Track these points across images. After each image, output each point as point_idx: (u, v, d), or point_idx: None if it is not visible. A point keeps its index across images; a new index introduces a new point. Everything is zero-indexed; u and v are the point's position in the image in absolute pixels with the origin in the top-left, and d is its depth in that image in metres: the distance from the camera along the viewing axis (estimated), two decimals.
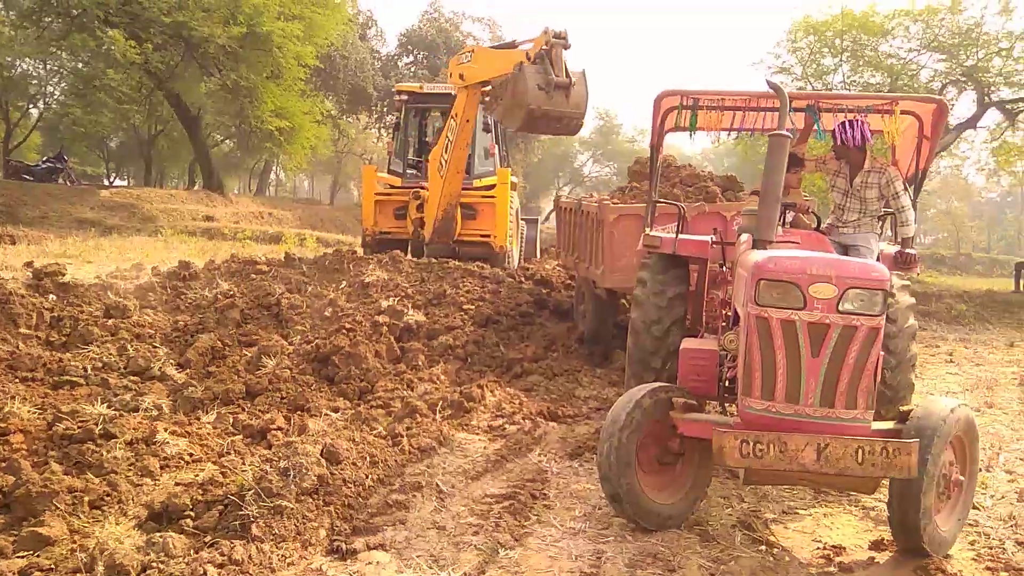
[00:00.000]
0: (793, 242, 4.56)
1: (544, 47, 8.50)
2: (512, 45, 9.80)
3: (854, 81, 20.70)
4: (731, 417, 4.20)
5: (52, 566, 3.37)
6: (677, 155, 20.12)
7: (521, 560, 3.58)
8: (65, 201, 20.62)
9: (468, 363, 7.56)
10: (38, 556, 3.50)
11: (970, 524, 4.24)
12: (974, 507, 4.42)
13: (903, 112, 4.97)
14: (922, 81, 20.40)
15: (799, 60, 21.72)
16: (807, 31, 21.05)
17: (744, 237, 4.62)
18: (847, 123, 4.98)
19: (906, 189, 5.19)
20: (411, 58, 39.37)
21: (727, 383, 4.40)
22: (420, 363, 7.27)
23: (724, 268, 5.35)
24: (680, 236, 5.39)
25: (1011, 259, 33.09)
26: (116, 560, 2.95)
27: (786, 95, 4.31)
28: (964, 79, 19.84)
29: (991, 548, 4.00)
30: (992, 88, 19.67)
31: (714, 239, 5.33)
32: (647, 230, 5.71)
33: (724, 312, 5.09)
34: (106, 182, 42.29)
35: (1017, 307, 15.25)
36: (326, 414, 5.76)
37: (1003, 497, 4.79)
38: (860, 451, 3.36)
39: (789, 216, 5.16)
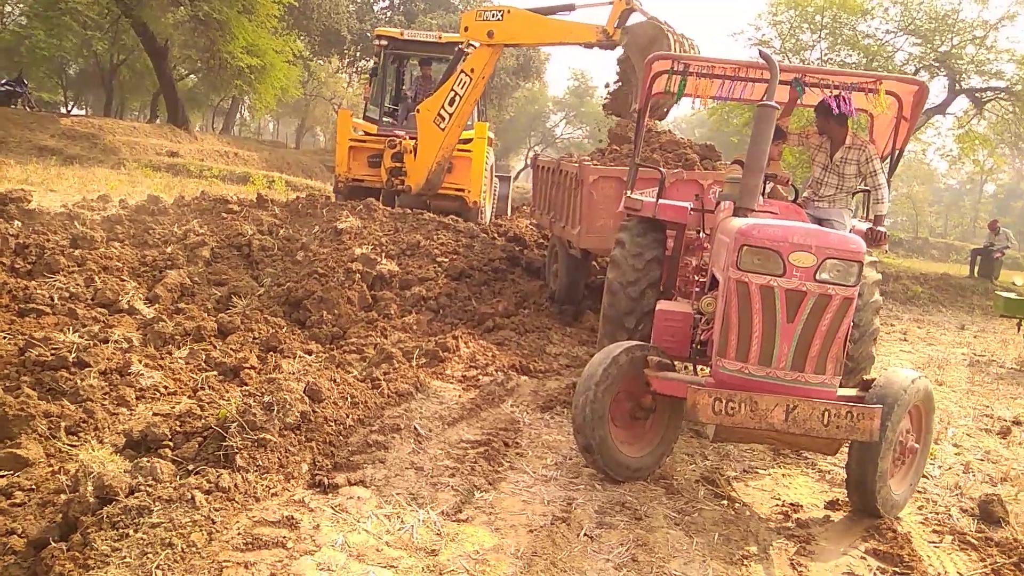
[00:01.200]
0: (771, 212, 4.67)
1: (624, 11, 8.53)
2: (568, 8, 9.60)
3: (830, 59, 20.89)
4: (702, 377, 4.35)
5: (33, 486, 3.40)
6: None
7: (495, 502, 3.70)
8: (24, 127, 19.91)
9: (440, 315, 7.62)
10: (17, 476, 3.52)
11: (919, 492, 4.48)
12: (923, 476, 4.67)
13: (887, 92, 5.08)
14: (897, 64, 20.67)
15: (779, 34, 21.82)
16: (788, 5, 21.11)
17: (725, 204, 4.73)
18: (840, 96, 5.08)
19: (883, 168, 5.34)
20: (387, 2, 38.48)
21: (699, 345, 4.54)
22: (392, 312, 7.31)
23: (701, 235, 5.46)
24: (660, 201, 5.48)
25: (966, 245, 34.07)
26: (105, 482, 2.98)
27: (776, 67, 4.38)
28: (937, 64, 20.16)
29: (938, 514, 4.25)
30: (963, 76, 20.03)
31: (694, 205, 5.43)
32: (628, 193, 5.79)
33: (698, 278, 5.21)
34: (63, 110, 40.81)
35: (970, 292, 15.80)
36: (300, 356, 5.79)
37: (950, 468, 5.06)
38: (826, 414, 3.54)
39: (768, 186, 5.27)
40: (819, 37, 20.95)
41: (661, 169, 6.11)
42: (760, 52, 4.49)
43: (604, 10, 9.29)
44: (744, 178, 4.32)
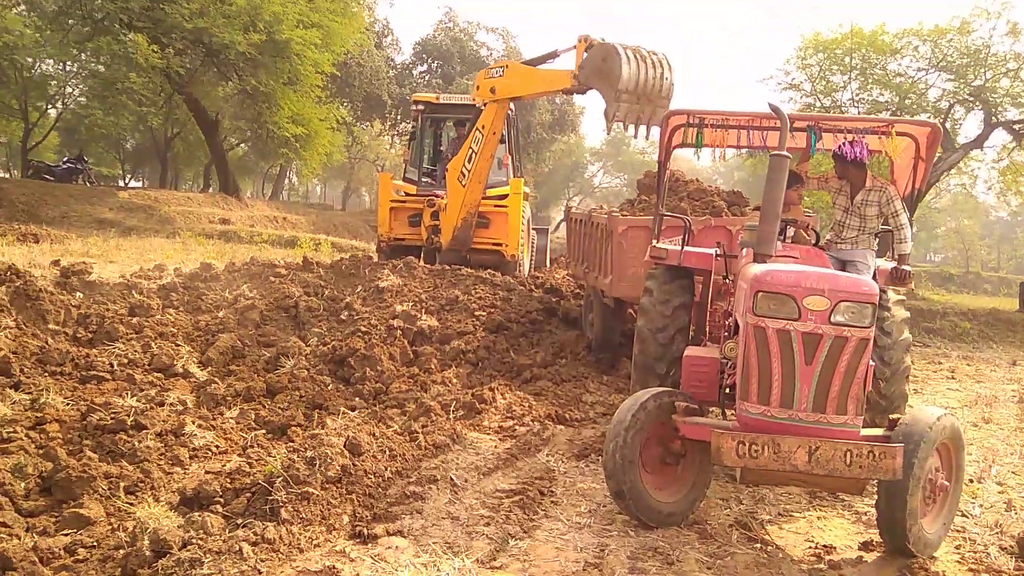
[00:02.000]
0: (792, 257, 4.79)
1: (585, 49, 8.82)
2: (552, 56, 10.03)
3: (862, 99, 20.93)
4: (730, 421, 4.44)
5: (95, 543, 3.63)
6: (687, 169, 20.36)
7: (530, 550, 3.82)
8: (85, 201, 21.02)
9: (479, 367, 7.81)
10: (80, 534, 3.76)
11: (957, 530, 4.45)
12: (962, 515, 4.64)
13: (899, 134, 5.21)
14: (930, 100, 20.62)
15: (809, 77, 21.94)
16: (817, 48, 21.28)
17: (745, 251, 4.87)
18: (850, 141, 5.22)
19: (904, 208, 5.43)
20: (425, 67, 39.78)
21: (727, 389, 4.63)
22: (433, 366, 7.52)
23: (727, 280, 5.59)
24: (685, 248, 5.63)
25: (1019, 278, 33.10)
26: (160, 536, 3.20)
27: (786, 117, 4.56)
28: (972, 99, 20.02)
29: (976, 553, 4.22)
30: (999, 108, 19.84)
31: (718, 252, 5.57)
32: (654, 242, 5.96)
33: (726, 322, 5.32)
34: (121, 183, 42.81)
35: (1021, 326, 15.39)
36: (344, 412, 6.01)
37: (991, 506, 5.00)
38: (848, 453, 3.60)
39: (790, 231, 5.39)
40: (850, 78, 21.02)
41: (687, 217, 6.28)
42: (769, 104, 4.68)
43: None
44: (760, 225, 4.47)
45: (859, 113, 19.91)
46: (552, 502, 4.52)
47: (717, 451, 3.72)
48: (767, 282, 3.81)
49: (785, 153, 4.35)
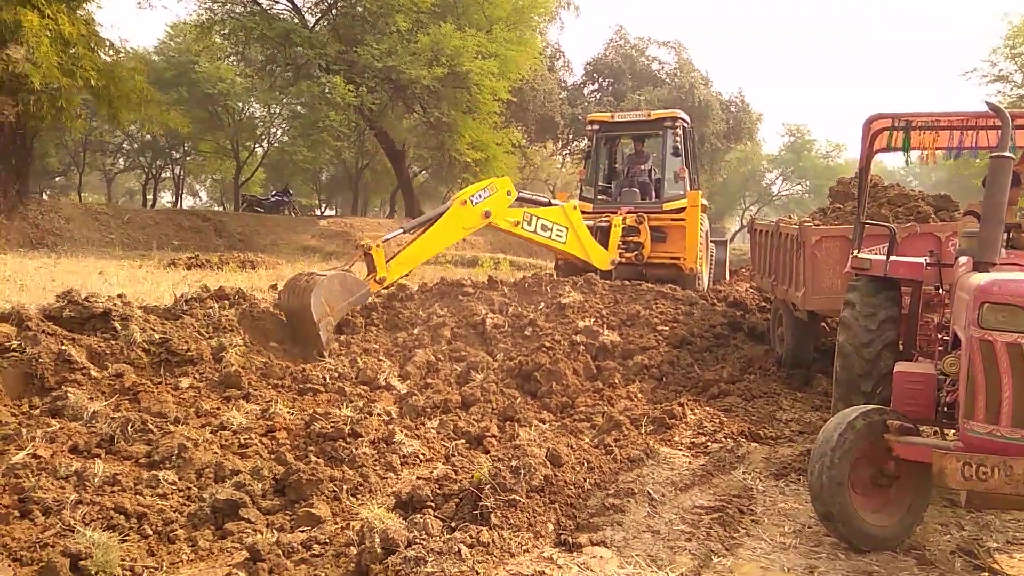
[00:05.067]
0: (1019, 264, 4.40)
1: None
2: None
3: None
4: (951, 441, 4.14)
5: (327, 540, 4.02)
6: (877, 169, 19.04)
7: (734, 567, 3.77)
8: (290, 230, 23.18)
9: (663, 382, 7.76)
10: (313, 532, 4.17)
11: None
12: None
13: None
14: None
15: (1020, 67, 19.85)
16: None
17: (963, 259, 4.53)
18: None
19: None
20: (596, 85, 40.11)
21: (946, 408, 4.32)
22: (616, 381, 7.58)
23: (940, 291, 5.22)
24: (892, 258, 5.32)
25: None
26: (389, 535, 3.50)
27: (1008, 115, 4.21)
28: None
29: None
30: None
31: (929, 261, 5.21)
32: (855, 252, 5.68)
33: (940, 336, 4.96)
34: (319, 212, 46.70)
35: None
36: (535, 424, 6.22)
37: None
38: None
39: (1008, 236, 4.94)
40: None
41: (890, 225, 5.93)
42: (987, 103, 4.34)
43: None
44: (982, 231, 4.14)
45: None
46: (752, 521, 4.42)
47: (940, 473, 3.49)
48: (995, 292, 3.54)
49: (1008, 154, 4.02)
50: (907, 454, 3.92)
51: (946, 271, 5.06)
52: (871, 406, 4.23)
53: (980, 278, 3.74)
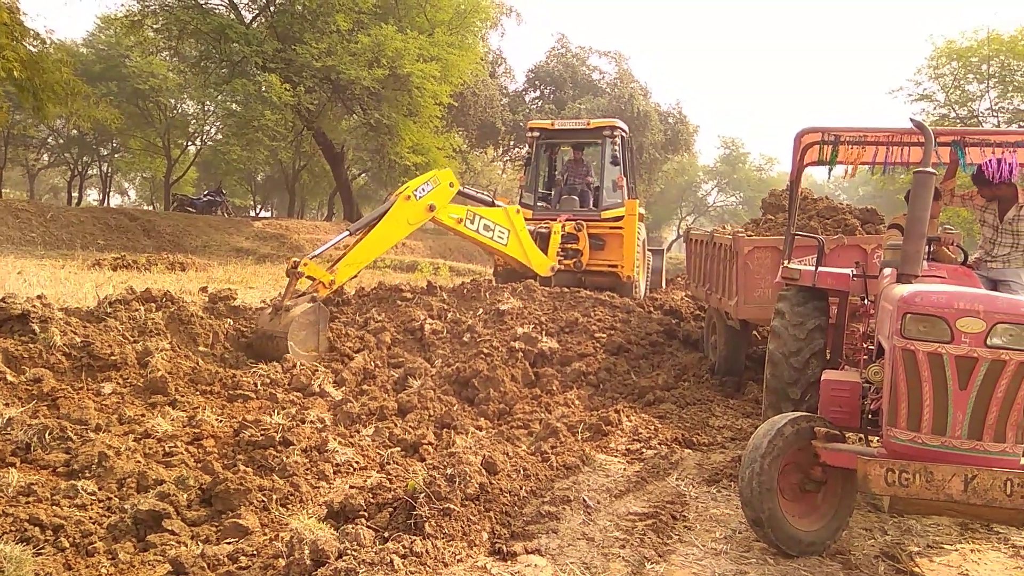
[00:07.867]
0: (939, 276, 4.57)
1: None
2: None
3: (1002, 107, 19.63)
4: (875, 448, 4.26)
5: (255, 551, 3.90)
6: (806, 183, 19.66)
7: (667, 574, 3.80)
8: (224, 231, 22.57)
9: (600, 389, 7.82)
10: (240, 543, 4.04)
11: None
12: None
13: None
14: None
15: (942, 87, 20.82)
16: (951, 57, 20.16)
17: (887, 271, 4.68)
18: (993, 160, 4.95)
19: None
20: (537, 93, 40.37)
21: (870, 415, 4.45)
22: (554, 388, 7.61)
23: (866, 301, 5.38)
24: (820, 269, 5.47)
25: None
26: (319, 546, 3.41)
27: (931, 132, 4.38)
28: None
29: None
30: None
31: (855, 272, 5.38)
32: (785, 262, 5.82)
33: (865, 345, 5.12)
34: (253, 213, 45.66)
35: None
36: (472, 432, 6.17)
37: None
38: (1009, 483, 3.40)
39: (930, 248, 5.14)
40: (987, 87, 19.79)
41: (819, 236, 6.11)
42: (911, 119, 4.51)
43: None
44: (905, 244, 4.29)
45: (999, 124, 18.68)
46: (685, 527, 4.47)
47: (864, 479, 3.59)
48: (917, 303, 3.66)
49: (931, 170, 4.18)
50: (834, 460, 4.02)
51: (871, 282, 5.23)
52: (799, 413, 4.33)
53: (903, 289, 3.87)
